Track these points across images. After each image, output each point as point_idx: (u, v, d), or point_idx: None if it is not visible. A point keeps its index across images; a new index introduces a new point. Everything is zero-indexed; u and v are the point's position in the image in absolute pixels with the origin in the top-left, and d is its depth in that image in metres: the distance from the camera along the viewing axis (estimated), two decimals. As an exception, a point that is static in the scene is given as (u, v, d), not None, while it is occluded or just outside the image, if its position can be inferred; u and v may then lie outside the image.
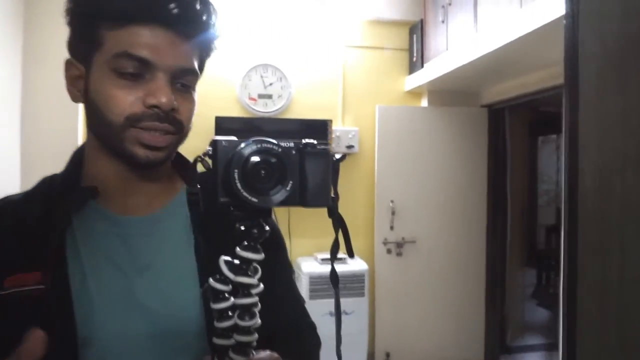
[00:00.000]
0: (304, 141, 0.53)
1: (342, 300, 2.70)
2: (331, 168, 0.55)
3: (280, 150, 0.51)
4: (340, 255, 2.83)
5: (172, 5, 0.58)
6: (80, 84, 0.62)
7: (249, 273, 0.53)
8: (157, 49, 0.58)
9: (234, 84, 2.91)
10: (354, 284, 2.74)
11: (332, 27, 3.07)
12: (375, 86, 3.15)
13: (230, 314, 0.52)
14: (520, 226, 3.56)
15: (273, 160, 0.51)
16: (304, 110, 3.02)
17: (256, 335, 0.53)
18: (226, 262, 0.53)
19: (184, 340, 0.62)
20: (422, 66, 2.93)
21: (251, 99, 2.93)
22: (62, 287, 0.58)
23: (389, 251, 2.99)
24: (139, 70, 0.59)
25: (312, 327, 0.78)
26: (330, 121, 2.98)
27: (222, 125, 2.79)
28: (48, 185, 0.66)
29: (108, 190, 0.65)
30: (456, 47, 2.50)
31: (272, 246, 0.59)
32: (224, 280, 0.52)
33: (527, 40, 1.90)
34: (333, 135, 2.98)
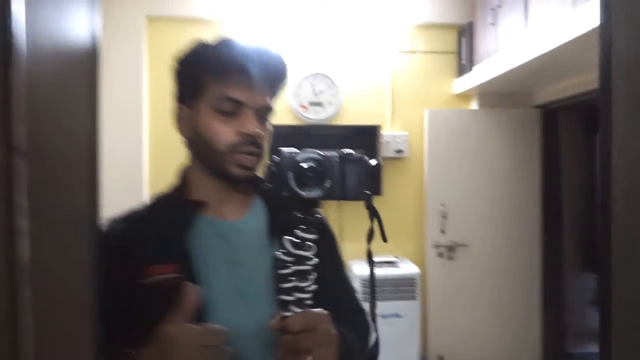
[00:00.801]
0: (344, 151, 0.74)
1: (394, 304, 2.75)
2: (366, 171, 0.74)
3: (322, 157, 0.72)
4: (391, 258, 2.88)
5: (256, 65, 0.79)
6: (187, 123, 0.83)
7: (305, 248, 0.73)
8: (247, 93, 0.79)
9: (285, 93, 3.02)
10: (405, 286, 2.77)
11: (380, 34, 3.12)
12: (423, 90, 3.17)
13: (291, 278, 0.72)
14: (578, 228, 3.44)
15: (316, 164, 0.72)
16: (353, 116, 3.09)
17: (310, 294, 0.72)
18: (289, 240, 0.73)
19: (265, 314, 0.76)
20: (471, 69, 2.92)
21: (302, 106, 3.03)
22: (190, 274, 0.76)
23: (440, 255, 2.99)
24: (234, 109, 0.79)
25: (361, 311, 0.92)
26: (380, 126, 3.02)
27: (276, 132, 2.89)
28: (164, 200, 0.87)
29: (208, 201, 0.84)
30: (506, 48, 2.48)
31: (324, 239, 0.82)
32: (287, 253, 0.73)
33: (581, 41, 1.87)
34: (382, 140, 3.03)
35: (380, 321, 2.64)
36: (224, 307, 0.76)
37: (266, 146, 0.83)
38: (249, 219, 0.86)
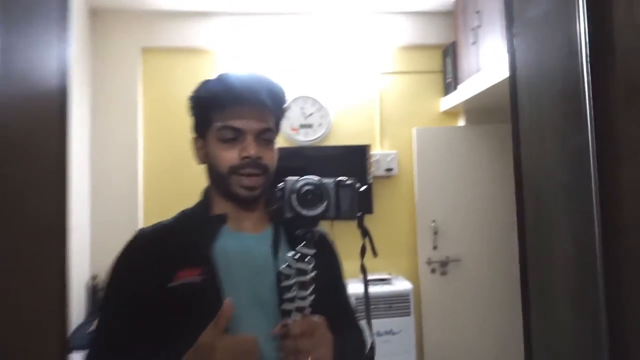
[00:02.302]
0: (338, 178, 0.86)
1: (389, 321, 2.77)
2: (357, 195, 0.85)
3: (318, 182, 0.85)
4: (385, 275, 2.91)
5: (255, 94, 0.91)
6: (201, 151, 0.96)
7: (305, 262, 0.83)
8: (246, 120, 0.90)
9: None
10: (399, 303, 2.79)
11: (366, 56, 3.22)
12: (411, 109, 3.25)
13: (293, 289, 0.83)
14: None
15: (314, 189, 0.84)
16: (343, 136, 3.16)
17: (309, 303, 0.82)
18: (290, 255, 0.84)
19: (273, 313, 0.87)
20: (456, 87, 3.00)
21: (293, 129, 3.11)
22: (214, 280, 0.85)
23: (433, 270, 3.02)
24: (235, 136, 0.90)
25: (360, 327, 1.00)
26: (369, 146, 3.09)
27: (267, 155, 2.97)
28: (191, 214, 0.97)
29: (229, 216, 0.95)
30: (488, 66, 2.56)
31: (327, 255, 0.95)
32: (289, 267, 0.84)
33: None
34: (372, 160, 3.09)
35: (376, 338, 2.65)
36: (247, 314, 0.85)
37: (272, 166, 0.93)
38: (266, 236, 0.93)
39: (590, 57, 0.53)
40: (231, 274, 0.87)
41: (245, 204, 0.92)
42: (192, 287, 0.83)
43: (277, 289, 0.86)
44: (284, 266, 0.85)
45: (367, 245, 0.88)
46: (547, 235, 0.60)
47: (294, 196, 0.83)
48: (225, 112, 0.90)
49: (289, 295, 0.82)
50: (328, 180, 0.85)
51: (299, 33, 3.15)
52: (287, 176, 0.86)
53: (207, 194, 0.98)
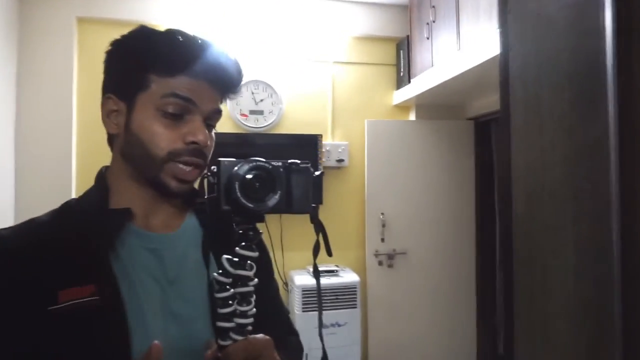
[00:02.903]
0: (289, 161, 0.68)
1: (335, 313, 2.74)
2: (312, 182, 0.68)
3: (270, 167, 0.65)
4: (332, 267, 2.88)
5: (212, 63, 0.71)
6: (118, 117, 0.72)
7: (246, 268, 0.65)
8: (198, 94, 0.70)
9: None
10: (346, 295, 2.78)
11: (321, 44, 3.15)
12: (364, 101, 3.22)
13: (230, 302, 0.64)
14: (509, 235, 3.62)
15: (265, 175, 0.64)
16: (294, 125, 3.08)
17: (252, 319, 0.65)
18: (227, 259, 0.65)
19: (202, 338, 0.69)
20: (409, 81, 3.01)
21: (242, 115, 2.99)
22: (114, 297, 0.65)
23: (380, 263, 3.03)
24: (180, 111, 0.70)
25: (296, 333, 0.87)
26: (320, 136, 3.04)
27: (216, 140, 2.83)
28: (77, 207, 0.73)
29: (133, 211, 0.73)
30: (441, 62, 2.58)
31: (261, 259, 0.70)
32: (226, 274, 0.65)
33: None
34: (323, 150, 3.04)
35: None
36: (156, 332, 0.66)
37: (209, 157, 0.74)
38: (183, 232, 0.75)
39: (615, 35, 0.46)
40: (137, 285, 0.68)
41: (169, 197, 0.73)
42: (82, 310, 0.62)
43: (210, 301, 0.67)
44: (219, 272, 0.65)
45: (321, 242, 0.71)
46: (542, 242, 0.50)
47: (237, 184, 0.63)
48: (175, 79, 0.69)
49: (226, 310, 0.64)
50: (277, 163, 0.66)
51: (254, 14, 3.02)
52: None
53: (103, 179, 0.75)
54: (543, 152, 0.46)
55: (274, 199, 0.65)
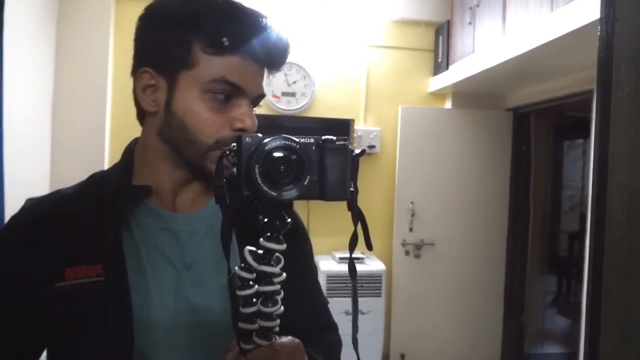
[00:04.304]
0: (323, 137, 0.55)
1: (359, 300, 2.71)
2: (350, 163, 0.57)
3: (298, 146, 0.53)
4: (358, 254, 2.84)
5: (264, 41, 0.64)
6: (157, 94, 0.65)
7: (272, 262, 0.56)
8: (247, 78, 0.64)
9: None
10: (371, 283, 2.75)
11: (356, 27, 3.07)
12: (398, 87, 3.14)
13: (254, 300, 0.55)
14: (542, 232, 3.50)
15: (292, 156, 0.53)
16: (326, 109, 3.03)
17: (278, 321, 0.56)
18: (250, 252, 0.56)
19: (219, 330, 0.64)
20: (447, 68, 2.91)
21: (274, 96, 2.95)
22: (121, 280, 0.62)
23: (407, 253, 2.98)
24: (229, 95, 0.63)
25: (334, 327, 0.80)
26: (353, 120, 2.98)
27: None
28: (99, 182, 0.70)
29: (158, 190, 0.69)
30: (483, 49, 2.47)
31: (297, 241, 0.65)
32: (249, 269, 0.55)
33: (556, 45, 1.86)
34: (355, 135, 2.99)
35: (344, 318, 2.61)
36: (164, 318, 0.63)
37: None
38: (207, 212, 0.70)
39: None
40: (148, 268, 0.64)
41: (209, 181, 0.67)
42: (86, 291, 0.59)
43: (230, 299, 0.57)
44: (241, 266, 0.56)
45: (360, 233, 0.60)
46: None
47: (256, 167, 0.52)
48: (224, 59, 0.62)
49: (249, 310, 0.55)
50: (309, 140, 0.55)
51: (289, -6, 2.96)
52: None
53: (130, 154, 0.70)
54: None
55: (301, 186, 0.53)
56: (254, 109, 0.69)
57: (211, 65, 0.62)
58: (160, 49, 0.64)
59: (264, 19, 0.66)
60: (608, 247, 0.47)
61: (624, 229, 0.45)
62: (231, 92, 0.63)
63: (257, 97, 0.67)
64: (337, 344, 0.79)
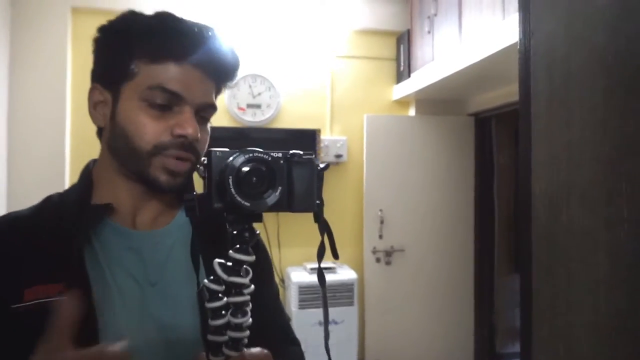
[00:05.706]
0: (290, 152, 0.58)
1: (332, 310, 2.71)
2: (316, 176, 0.59)
3: (270, 159, 0.56)
4: (329, 264, 2.84)
5: (204, 49, 0.65)
6: (104, 108, 0.67)
7: (241, 274, 0.57)
8: (187, 85, 0.64)
9: (222, 93, 2.91)
10: (343, 292, 2.74)
11: (320, 37, 3.10)
12: (363, 95, 3.18)
13: (223, 312, 0.56)
14: (508, 232, 3.59)
15: (263, 168, 0.55)
16: (292, 119, 3.03)
17: (247, 332, 0.57)
18: (220, 264, 0.57)
19: (187, 347, 0.64)
20: (409, 76, 2.97)
21: (240, 108, 2.94)
22: (83, 300, 0.58)
23: (378, 260, 3.00)
24: (168, 103, 0.64)
25: (297, 342, 0.81)
26: (319, 130, 2.99)
27: (212, 134, 2.78)
28: (57, 203, 0.69)
29: (119, 207, 0.69)
30: (442, 57, 2.54)
31: (259, 252, 0.65)
32: (218, 280, 0.56)
33: (511, 50, 1.93)
34: (321, 145, 3.00)
35: (318, 329, 2.58)
36: (132, 338, 0.59)
37: (203, 152, 0.69)
38: (171, 230, 0.71)
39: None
40: (113, 286, 0.63)
41: (160, 193, 0.69)
42: (47, 310, 0.55)
43: (200, 312, 0.60)
44: (210, 278, 0.56)
45: (327, 243, 0.62)
46: (567, 248, 0.44)
47: (230, 178, 0.54)
48: (162, 67, 0.63)
49: (218, 322, 0.55)
50: (277, 155, 0.57)
51: (252, 6, 2.96)
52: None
53: (88, 173, 0.71)
54: (570, 149, 0.41)
55: (273, 196, 0.55)
56: (208, 122, 0.70)
57: (150, 74, 0.64)
58: (106, 65, 0.68)
59: (207, 30, 0.67)
60: (535, 247, 0.49)
61: (546, 230, 0.47)
62: (171, 100, 0.64)
63: (204, 106, 0.67)
64: (301, 358, 0.79)
